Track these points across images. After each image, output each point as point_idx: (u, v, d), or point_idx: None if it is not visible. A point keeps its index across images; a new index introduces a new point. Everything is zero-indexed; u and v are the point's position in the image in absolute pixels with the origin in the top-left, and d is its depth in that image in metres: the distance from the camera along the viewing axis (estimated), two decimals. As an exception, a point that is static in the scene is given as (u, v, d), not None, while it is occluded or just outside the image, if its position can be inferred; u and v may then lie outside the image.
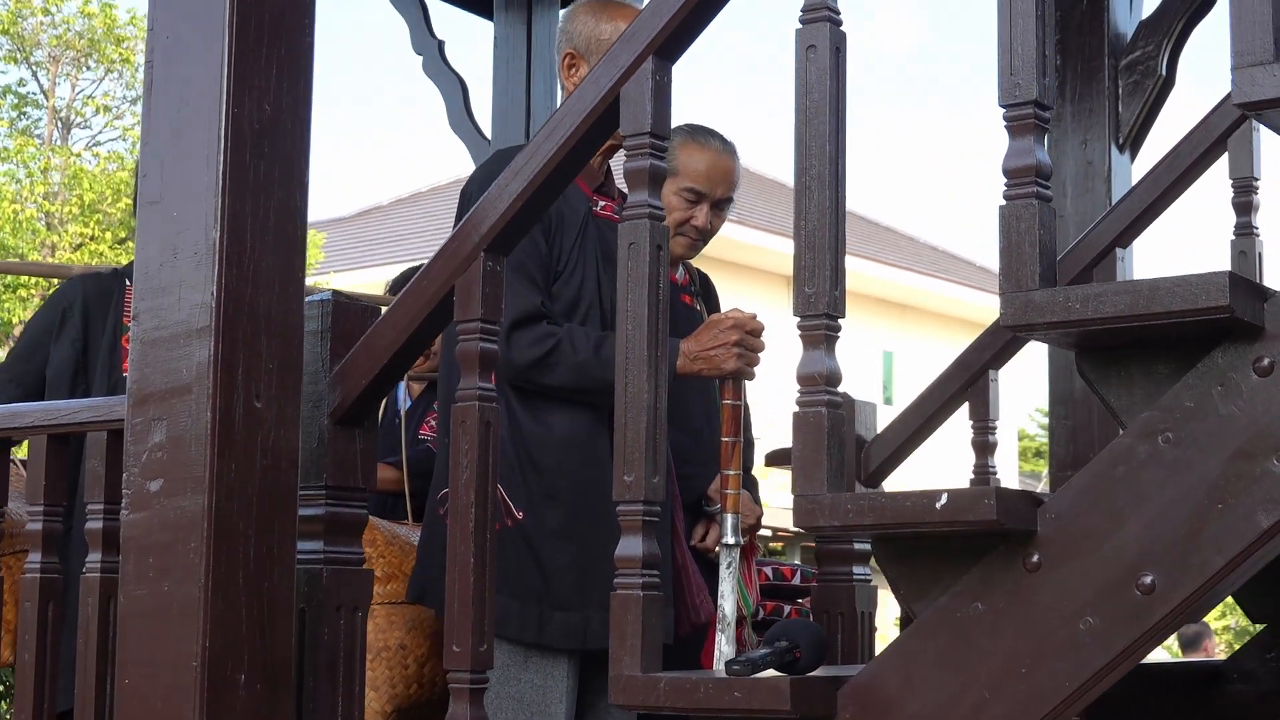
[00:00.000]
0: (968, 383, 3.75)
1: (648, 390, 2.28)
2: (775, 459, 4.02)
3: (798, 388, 2.19)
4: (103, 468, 2.79)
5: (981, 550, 2.11)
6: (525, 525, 3.10)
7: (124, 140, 15.19)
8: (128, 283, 3.57)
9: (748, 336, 3.17)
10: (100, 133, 15.08)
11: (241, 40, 2.43)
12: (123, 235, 14.57)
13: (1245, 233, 3.41)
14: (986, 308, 24.30)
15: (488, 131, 5.88)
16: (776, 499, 3.24)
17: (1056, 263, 2.12)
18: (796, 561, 4.26)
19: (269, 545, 2.42)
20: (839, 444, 2.18)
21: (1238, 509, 1.97)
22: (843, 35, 2.23)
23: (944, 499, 2.07)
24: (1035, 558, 2.08)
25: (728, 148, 3.73)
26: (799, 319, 2.19)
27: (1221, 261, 3.46)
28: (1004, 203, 2.09)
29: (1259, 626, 3.22)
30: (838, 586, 3.69)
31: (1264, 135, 3.42)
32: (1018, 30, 2.10)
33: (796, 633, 2.26)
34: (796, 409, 2.18)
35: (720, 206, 3.75)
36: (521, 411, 3.13)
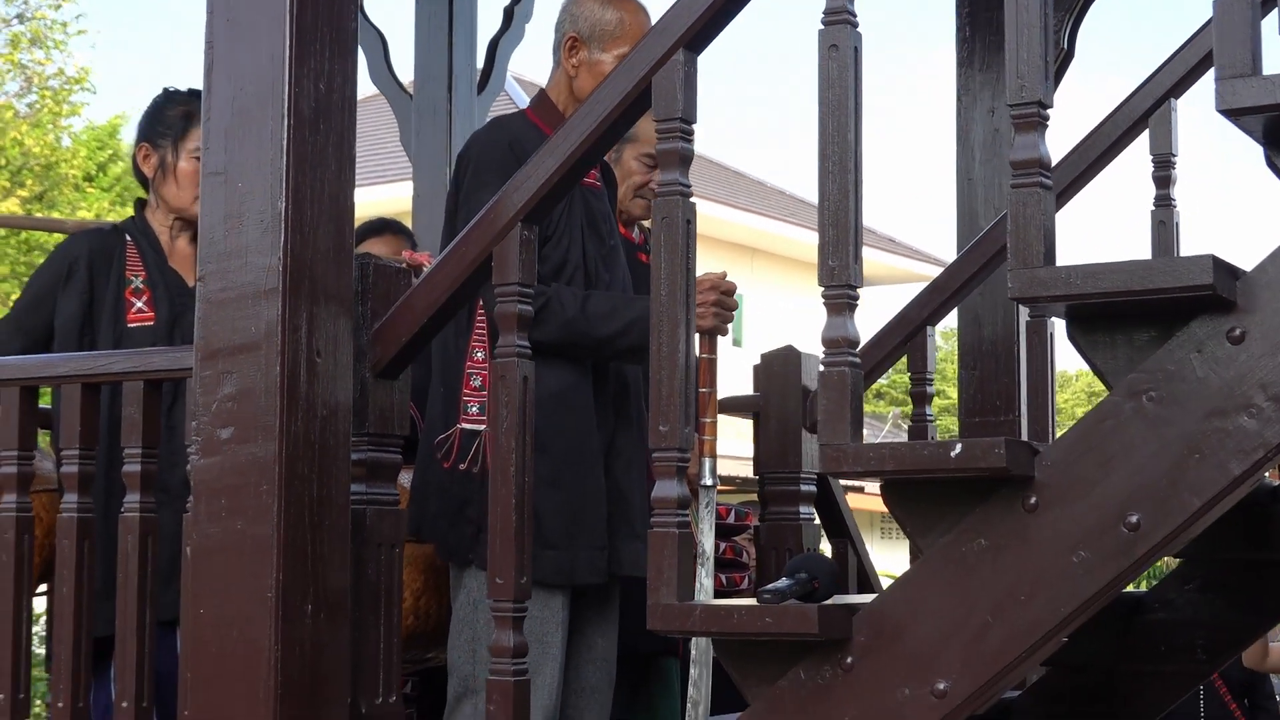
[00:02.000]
0: (908, 336, 4.06)
1: (681, 349, 2.55)
2: (724, 407, 4.29)
3: (823, 349, 2.47)
4: (140, 415, 2.99)
5: (983, 493, 2.41)
6: (520, 470, 3.34)
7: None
8: (128, 239, 3.75)
9: (723, 296, 3.45)
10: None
11: (300, 23, 2.64)
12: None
13: (1164, 204, 3.75)
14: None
15: (409, 86, 6.07)
16: (723, 447, 3.53)
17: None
18: (732, 503, 4.56)
19: (327, 488, 2.66)
20: (859, 400, 2.46)
21: (1212, 459, 2.29)
22: (860, 36, 2.50)
23: (958, 448, 2.36)
24: (1033, 500, 2.38)
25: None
26: (824, 289, 2.47)
27: (1140, 231, 3.80)
28: (1012, 190, 2.38)
29: (1177, 560, 3.57)
30: (785, 525, 4.00)
31: (1181, 116, 3.76)
32: (1024, 39, 2.40)
33: (815, 565, 2.54)
34: (822, 368, 2.46)
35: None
36: None
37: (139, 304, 3.65)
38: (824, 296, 2.47)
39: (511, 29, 6.12)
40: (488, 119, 6.15)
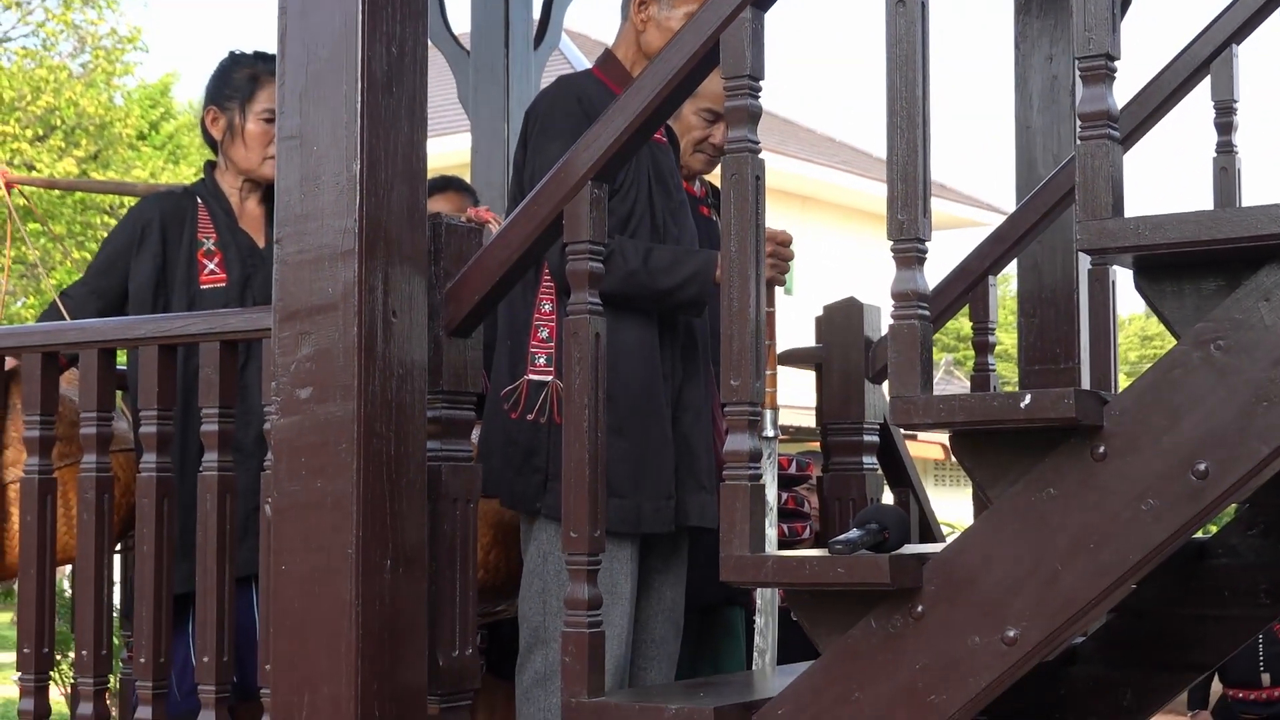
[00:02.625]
0: (969, 286, 4.08)
1: (751, 303, 2.58)
2: (786, 359, 4.33)
3: (893, 302, 2.50)
4: (216, 375, 3.05)
5: (1052, 443, 2.44)
6: (588, 420, 3.39)
7: (35, 36, 15.13)
8: (199, 201, 3.80)
9: (780, 248, 3.48)
10: (12, 29, 15.01)
11: (371, -11, 2.68)
12: (40, 132, 14.58)
13: (1226, 150, 3.75)
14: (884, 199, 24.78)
15: (464, 41, 6.09)
16: (784, 397, 3.56)
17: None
18: (793, 454, 4.59)
19: (404, 445, 2.71)
20: (929, 352, 2.49)
21: (1280, 406, 2.31)
22: (927, -10, 2.52)
23: (1028, 399, 2.39)
24: (1101, 449, 2.40)
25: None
26: (893, 242, 2.50)
27: (1202, 178, 3.80)
28: (1079, 142, 2.40)
29: (1241, 506, 3.59)
30: (849, 475, 4.04)
31: (1241, 62, 3.76)
32: (1091, -10, 2.40)
33: (885, 516, 2.58)
34: (892, 321, 2.49)
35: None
36: None
37: (211, 265, 3.71)
38: (893, 250, 2.50)
39: (568, -20, 6.14)
40: (544, 73, 6.21)
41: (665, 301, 3.41)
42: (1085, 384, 4.81)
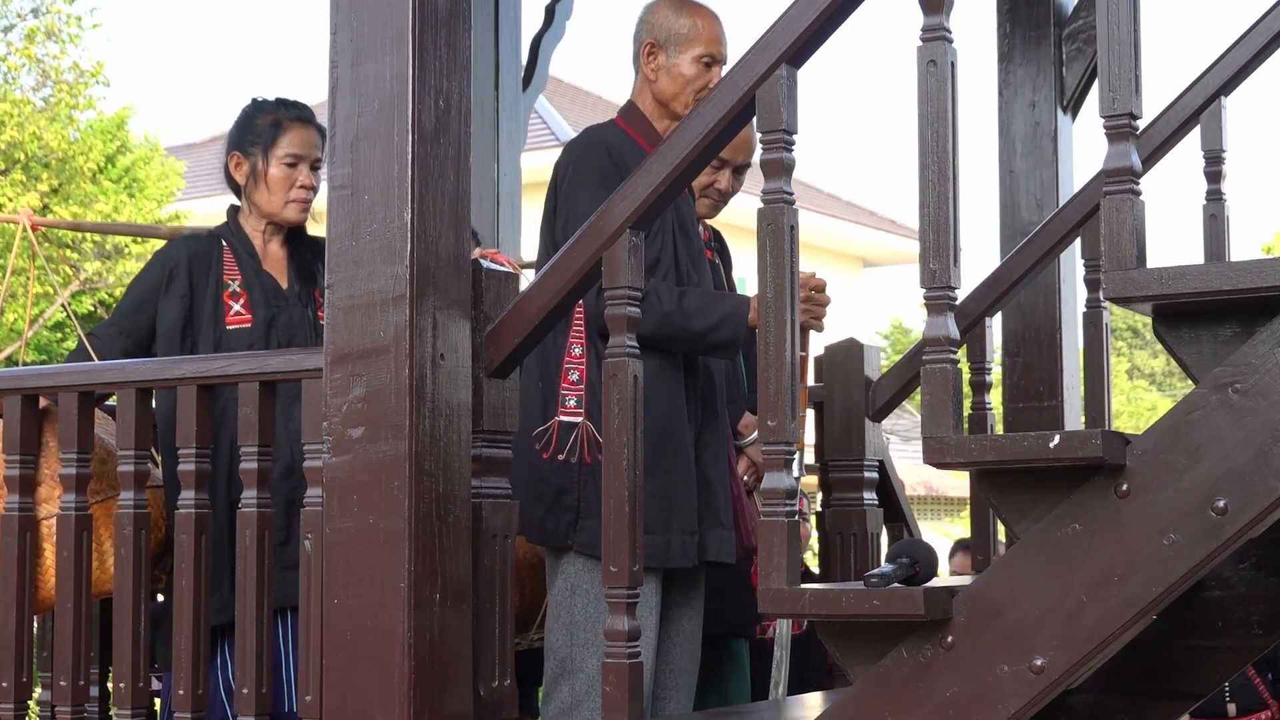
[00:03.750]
0: (967, 328, 4.22)
1: (787, 348, 2.70)
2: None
3: (926, 347, 2.62)
4: (255, 415, 3.15)
5: (1077, 481, 2.56)
6: (614, 460, 3.50)
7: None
8: (224, 244, 3.91)
9: (813, 294, 3.61)
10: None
11: (421, 43, 2.79)
12: (3, 166, 14.60)
13: (1215, 198, 3.90)
14: (840, 235, 25.05)
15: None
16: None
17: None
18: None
19: (451, 483, 2.82)
20: (960, 394, 2.62)
21: (1296, 445, 2.45)
22: (955, 52, 2.66)
23: (1056, 439, 2.52)
24: (1125, 486, 2.53)
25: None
26: (925, 290, 2.63)
27: (1192, 222, 3.94)
28: (1105, 197, 2.54)
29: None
30: (850, 510, 4.16)
31: (1229, 114, 3.92)
32: (1115, 55, 2.55)
33: (916, 550, 2.70)
34: (925, 366, 2.62)
35: (740, 171, 4.16)
36: None
37: (237, 307, 3.81)
38: (925, 298, 2.63)
39: (553, 26, 6.28)
40: (531, 114, 6.34)
41: (699, 343, 3.53)
42: (1069, 422, 4.97)
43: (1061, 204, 4.90)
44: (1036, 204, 5.08)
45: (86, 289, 15.40)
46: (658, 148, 3.77)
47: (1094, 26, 5.37)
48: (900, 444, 21.20)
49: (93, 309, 15.98)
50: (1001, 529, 4.27)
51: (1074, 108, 5.21)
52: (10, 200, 14.20)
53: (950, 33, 2.65)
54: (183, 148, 25.93)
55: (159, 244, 4.32)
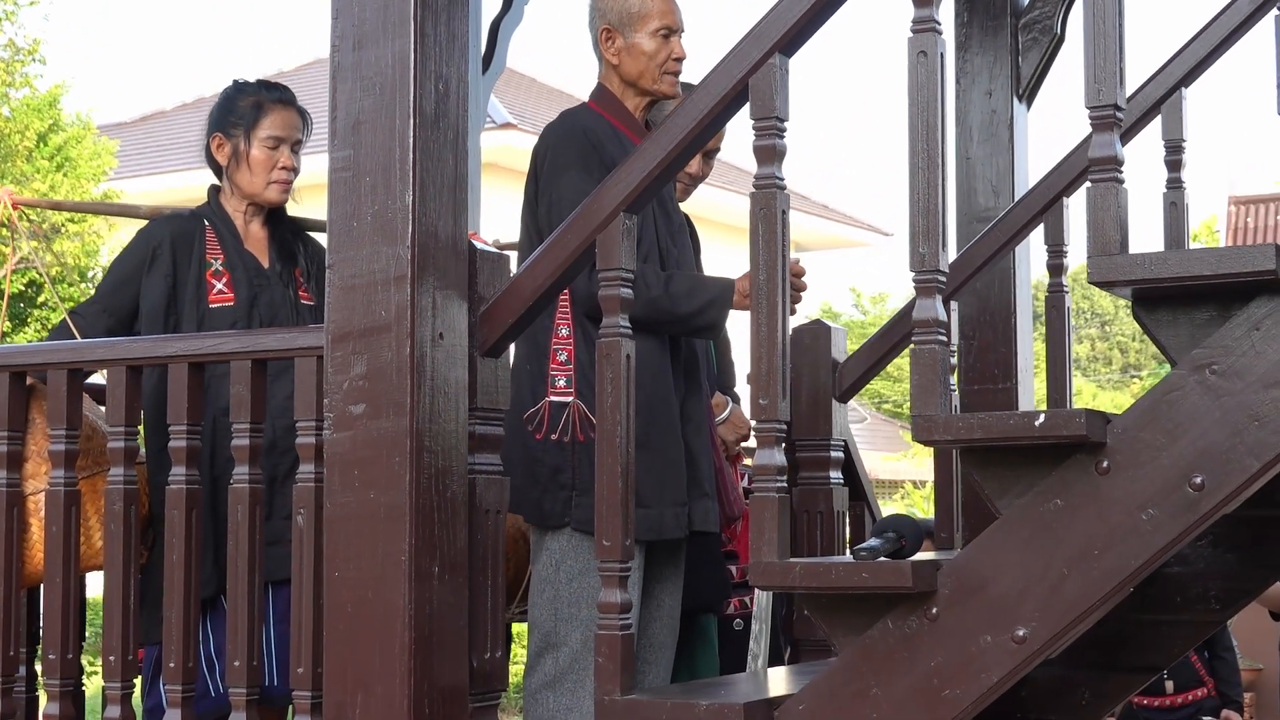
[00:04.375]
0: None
1: (779, 328, 2.79)
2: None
3: (915, 329, 2.71)
4: (248, 393, 3.20)
5: (1059, 458, 2.66)
6: (607, 436, 3.58)
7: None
8: (206, 223, 3.95)
9: (792, 278, 3.70)
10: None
11: (422, 27, 2.86)
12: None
13: (1175, 186, 4.02)
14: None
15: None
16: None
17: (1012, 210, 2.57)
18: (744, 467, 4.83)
19: (448, 459, 2.88)
20: (947, 374, 2.71)
21: (1270, 424, 2.55)
22: (945, 43, 2.74)
23: (1041, 418, 2.62)
24: (1105, 464, 2.63)
25: None
26: (914, 273, 2.72)
27: (1153, 209, 4.07)
28: (1090, 185, 2.64)
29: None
30: (817, 489, 4.25)
31: (1189, 105, 4.03)
32: (1099, 47, 2.64)
33: (901, 525, 2.80)
34: (914, 346, 2.71)
35: (710, 155, 4.25)
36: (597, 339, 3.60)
37: (219, 285, 3.86)
38: (914, 280, 2.72)
39: (511, 11, 6.30)
40: (491, 96, 6.38)
41: (684, 326, 3.62)
42: (1023, 403, 5.08)
43: (1017, 190, 5.01)
44: (993, 190, 5.17)
45: (19, 268, 15.29)
46: (633, 126, 3.88)
47: (1050, 17, 5.47)
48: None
49: (22, 289, 15.87)
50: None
51: (1029, 97, 5.30)
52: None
53: (939, 24, 2.74)
54: (113, 126, 25.76)
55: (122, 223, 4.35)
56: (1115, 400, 32.58)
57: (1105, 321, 45.10)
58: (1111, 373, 43.47)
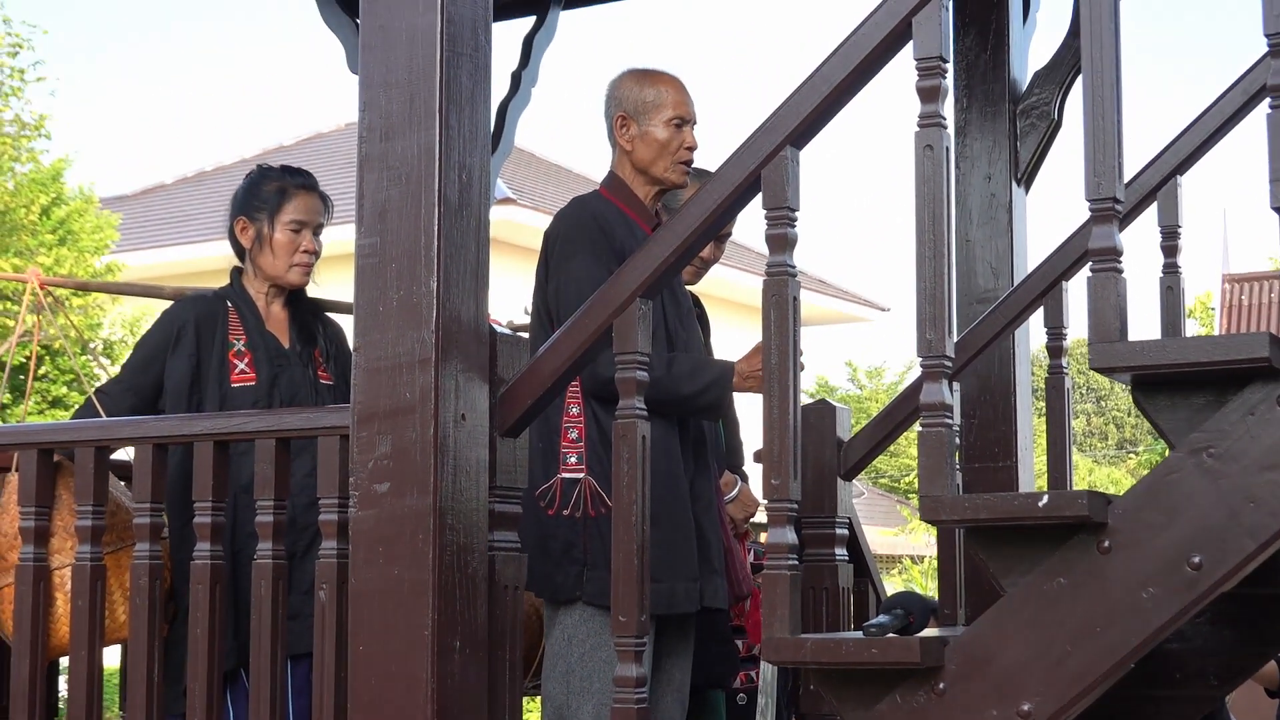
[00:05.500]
0: (934, 393, 4.41)
1: (790, 410, 2.89)
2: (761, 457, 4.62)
3: (922, 413, 2.81)
4: (272, 470, 3.29)
5: (1061, 538, 2.76)
6: (619, 512, 3.68)
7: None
8: (229, 304, 4.06)
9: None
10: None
11: (447, 119, 2.97)
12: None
13: (1171, 271, 4.13)
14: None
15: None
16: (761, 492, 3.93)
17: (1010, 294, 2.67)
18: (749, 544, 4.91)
19: (470, 536, 2.98)
20: (954, 456, 2.81)
21: (1265, 505, 2.65)
22: (950, 137, 2.86)
23: (1045, 499, 2.71)
24: (1106, 543, 2.73)
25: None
26: (921, 359, 2.82)
27: (1150, 291, 4.18)
28: (1090, 275, 2.75)
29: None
30: (823, 566, 4.33)
31: (1185, 192, 4.15)
32: (1099, 143, 2.76)
33: (909, 602, 2.89)
34: (921, 429, 2.81)
35: (721, 240, 4.36)
36: (606, 418, 3.71)
37: (241, 365, 3.96)
38: (922, 365, 2.82)
39: (519, 93, 6.45)
40: (498, 178, 6.51)
41: (686, 406, 3.72)
42: (1023, 482, 5.17)
43: (1016, 271, 5.13)
44: (992, 272, 5.29)
45: (25, 340, 15.40)
46: (642, 214, 4.00)
47: (1047, 103, 5.60)
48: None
49: (23, 361, 15.99)
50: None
51: (1027, 180, 5.43)
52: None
53: (945, 120, 2.85)
54: (114, 199, 25.93)
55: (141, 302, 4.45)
56: (1111, 476, 32.65)
57: (1101, 397, 45.25)
58: (1107, 448, 43.57)
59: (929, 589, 16.88)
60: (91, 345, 15.63)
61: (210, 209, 24.08)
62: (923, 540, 23.46)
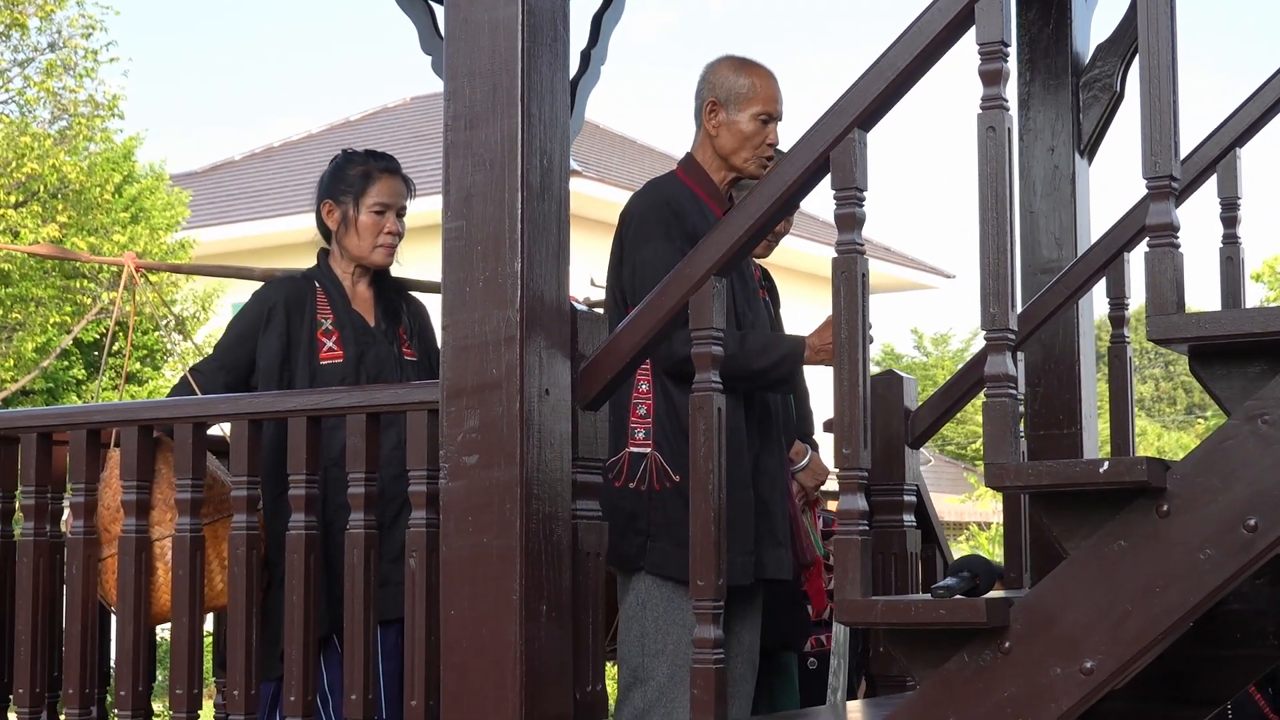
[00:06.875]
0: (998, 363, 4.52)
1: (860, 382, 3.01)
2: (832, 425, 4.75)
3: (987, 383, 2.93)
4: (363, 444, 3.45)
5: (1120, 503, 2.87)
6: (681, 486, 3.82)
7: (14, 104, 15.48)
8: (317, 285, 4.22)
9: None
10: (-9, 96, 15.36)
11: (528, 108, 3.11)
12: (21, 198, 14.92)
13: (1231, 241, 4.23)
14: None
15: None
16: (832, 461, 4.07)
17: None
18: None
19: (555, 505, 3.12)
20: (1018, 424, 2.93)
21: (1318, 471, 2.76)
22: (1012, 118, 2.97)
23: (1105, 466, 2.83)
24: (1165, 508, 2.84)
25: None
26: (985, 332, 2.94)
27: (1210, 262, 4.28)
28: (1148, 250, 2.86)
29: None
30: (891, 532, 4.46)
31: (1244, 164, 4.24)
32: (1156, 121, 2.86)
33: (975, 564, 3.02)
34: (986, 399, 2.93)
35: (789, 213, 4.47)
36: (677, 395, 3.85)
37: (329, 344, 4.13)
38: (986, 338, 2.94)
39: (589, 71, 6.58)
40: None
41: (758, 381, 3.85)
42: (1087, 448, 5.27)
43: (1079, 243, 5.22)
44: (1056, 243, 5.38)
45: (100, 317, 15.70)
46: (716, 197, 4.13)
47: (1110, 75, 5.68)
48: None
49: (97, 337, 16.28)
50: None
51: (1090, 152, 5.51)
52: (31, 232, 14.51)
53: (1007, 102, 2.96)
54: (184, 176, 26.25)
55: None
56: (1180, 440, 32.55)
57: (1169, 361, 45.04)
58: (1176, 413, 43.39)
59: (995, 555, 16.94)
60: (164, 321, 15.91)
61: (279, 184, 24.40)
62: (989, 507, 23.49)
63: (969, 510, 24.45)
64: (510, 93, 3.10)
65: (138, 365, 16.82)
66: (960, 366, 4.67)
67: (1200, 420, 39.32)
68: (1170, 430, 36.82)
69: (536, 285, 3.11)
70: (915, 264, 28.12)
